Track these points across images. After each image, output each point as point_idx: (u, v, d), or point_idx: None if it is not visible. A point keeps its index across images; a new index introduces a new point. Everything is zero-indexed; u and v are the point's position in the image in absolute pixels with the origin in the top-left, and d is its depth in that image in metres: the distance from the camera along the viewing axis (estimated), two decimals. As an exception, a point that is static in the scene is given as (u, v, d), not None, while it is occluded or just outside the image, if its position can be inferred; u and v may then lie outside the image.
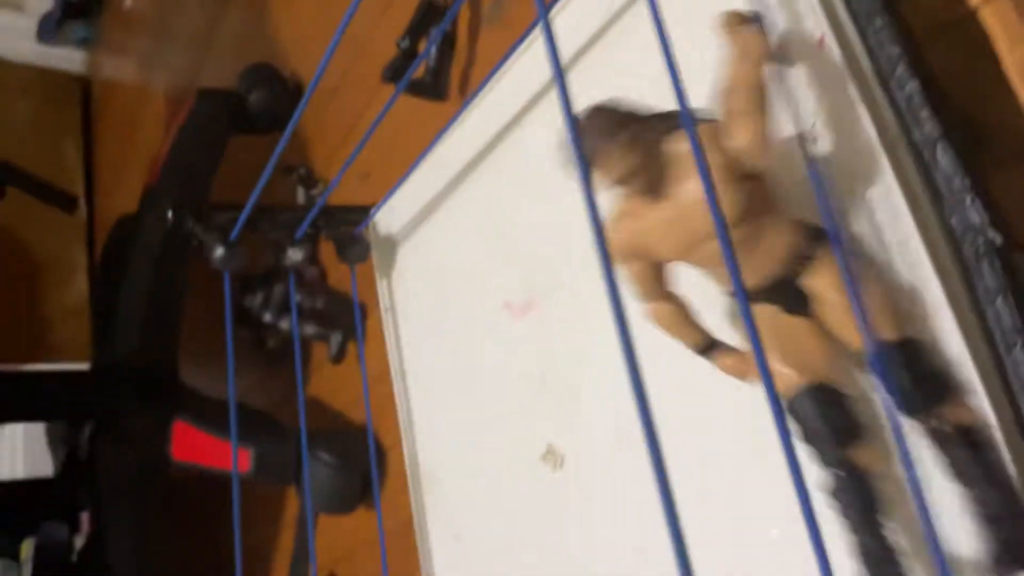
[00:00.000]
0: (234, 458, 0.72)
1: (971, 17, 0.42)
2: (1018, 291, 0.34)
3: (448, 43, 0.82)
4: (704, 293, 0.40)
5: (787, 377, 0.34)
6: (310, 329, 0.94)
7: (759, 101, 0.33)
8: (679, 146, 0.34)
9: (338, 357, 0.93)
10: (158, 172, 1.12)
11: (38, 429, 1.85)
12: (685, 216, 0.33)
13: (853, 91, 0.38)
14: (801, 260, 0.34)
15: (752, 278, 0.34)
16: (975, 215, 0.35)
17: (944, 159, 0.36)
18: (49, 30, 2.52)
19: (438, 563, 0.64)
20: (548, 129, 0.56)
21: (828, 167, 0.38)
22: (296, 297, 0.96)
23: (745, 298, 0.26)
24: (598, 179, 0.34)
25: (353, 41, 1.07)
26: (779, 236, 0.33)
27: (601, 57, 0.52)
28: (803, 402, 0.34)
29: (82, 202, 2.42)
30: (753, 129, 0.32)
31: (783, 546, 0.40)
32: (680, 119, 0.34)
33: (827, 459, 0.34)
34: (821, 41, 0.39)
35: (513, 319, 0.58)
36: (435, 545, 0.65)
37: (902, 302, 0.35)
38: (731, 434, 0.42)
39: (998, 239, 0.34)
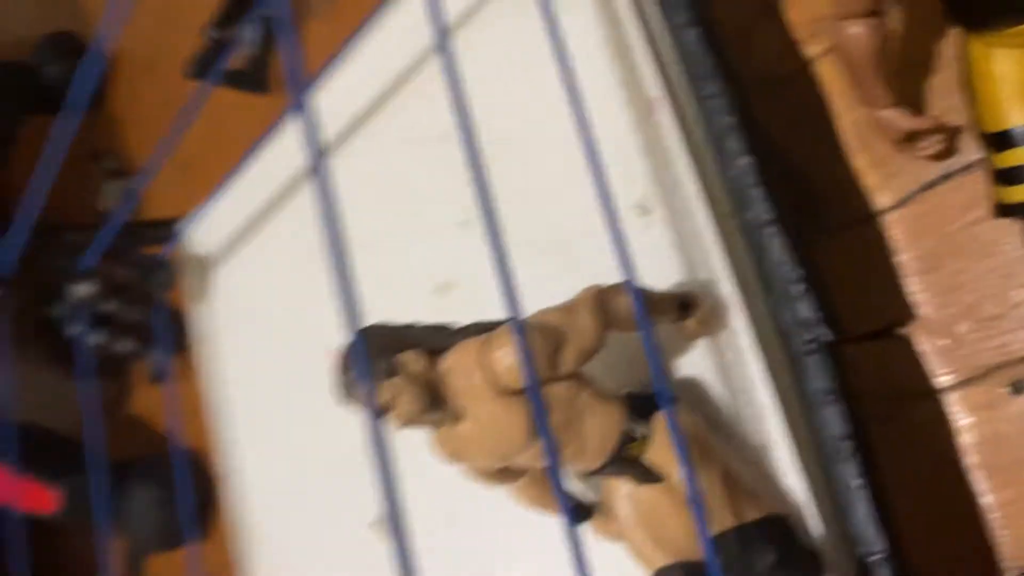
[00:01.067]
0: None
1: (806, 70, 0.40)
2: (848, 394, 0.32)
3: (268, 30, 0.74)
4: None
5: (649, 554, 0.32)
6: (126, 345, 0.84)
7: (558, 341, 0.29)
8: (449, 366, 0.30)
9: (158, 378, 0.84)
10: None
11: None
12: (487, 435, 0.30)
13: (684, 164, 0.34)
14: (630, 440, 0.30)
15: (584, 464, 0.31)
16: (805, 309, 0.33)
17: (774, 245, 0.33)
18: None
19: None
20: (388, 135, 0.50)
21: (659, 247, 0.35)
22: (111, 307, 0.85)
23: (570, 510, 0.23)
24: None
25: (169, 9, 0.95)
26: (599, 420, 0.30)
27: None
28: None
29: None
30: (511, 358, 0.29)
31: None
32: (452, 335, 0.30)
33: None
34: (653, 105, 0.35)
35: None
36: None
37: (753, 458, 0.32)
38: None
39: (828, 335, 0.32)
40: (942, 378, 0.36)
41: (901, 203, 0.38)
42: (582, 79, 0.37)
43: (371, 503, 0.49)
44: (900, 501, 0.33)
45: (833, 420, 0.32)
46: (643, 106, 0.35)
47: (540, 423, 0.26)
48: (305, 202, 0.58)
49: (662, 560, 0.32)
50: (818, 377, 0.32)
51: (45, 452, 0.79)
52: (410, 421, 0.30)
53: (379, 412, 0.29)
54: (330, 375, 0.31)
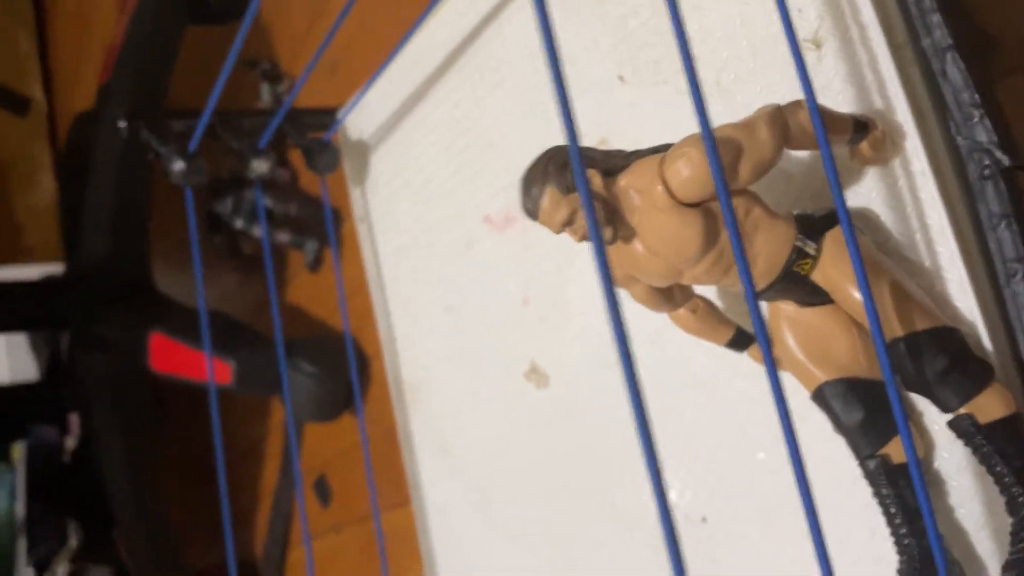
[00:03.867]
0: (210, 370, 0.71)
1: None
2: (1021, 216, 0.32)
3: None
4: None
5: (812, 372, 0.33)
6: (283, 236, 0.91)
7: (735, 154, 0.30)
8: (625, 183, 0.31)
9: (314, 265, 0.91)
10: (111, 68, 1.06)
11: (20, 335, 1.84)
12: (658, 252, 0.31)
13: (860, -9, 0.34)
14: (801, 258, 0.32)
15: (754, 281, 0.32)
16: (982, 133, 0.32)
17: (953, 71, 0.33)
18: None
19: (424, 473, 0.65)
20: (528, 26, 0.52)
21: (831, 81, 0.36)
22: (267, 202, 0.92)
23: (758, 315, 0.24)
24: (545, 226, 0.32)
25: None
26: (770, 237, 0.31)
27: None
28: (827, 397, 0.33)
29: (42, 96, 2.31)
30: (690, 169, 0.30)
31: (770, 467, 0.40)
32: (628, 157, 0.31)
33: (860, 451, 0.33)
34: (827, -66, 0.35)
35: (493, 233, 0.56)
36: (421, 457, 0.65)
37: (924, 283, 0.33)
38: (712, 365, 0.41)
39: (1005, 160, 0.32)
40: None
41: (1089, 37, 0.36)
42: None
43: (521, 377, 0.53)
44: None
45: (1007, 242, 0.32)
46: (817, -63, 0.35)
47: (727, 218, 0.27)
48: (447, 89, 0.60)
49: (825, 377, 0.33)
50: (994, 200, 0.32)
51: (220, 333, 0.88)
52: (587, 235, 0.32)
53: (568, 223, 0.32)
54: (519, 192, 0.33)
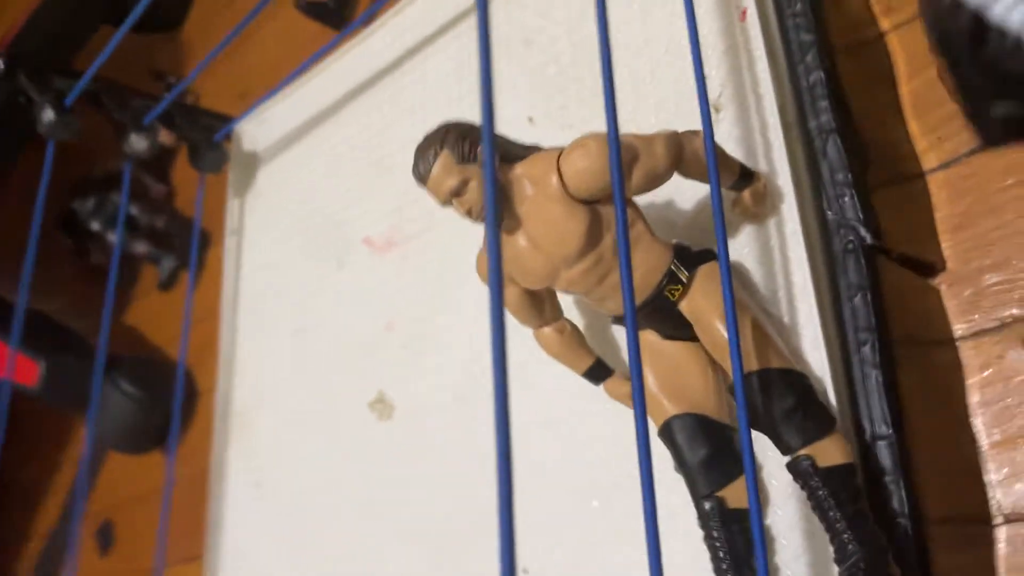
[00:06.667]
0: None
1: (879, 40, 0.43)
2: (876, 292, 0.34)
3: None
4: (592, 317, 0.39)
5: (663, 405, 0.33)
6: (141, 247, 0.85)
7: (630, 158, 0.31)
8: (520, 172, 0.31)
9: (167, 283, 0.84)
10: (8, 43, 1.00)
11: None
12: (540, 245, 0.31)
13: (763, 69, 0.37)
14: (673, 282, 0.32)
15: (620, 303, 0.32)
16: (851, 211, 0.35)
17: (833, 152, 0.35)
18: None
19: (230, 509, 0.58)
20: (447, 65, 0.53)
21: (725, 142, 0.37)
22: (133, 210, 0.87)
23: (634, 316, 0.24)
24: (432, 197, 0.31)
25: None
26: (648, 254, 0.32)
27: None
28: (674, 431, 0.32)
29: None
30: (586, 161, 0.30)
31: (603, 515, 0.38)
32: (529, 149, 0.32)
33: (697, 490, 0.32)
34: (744, 14, 0.38)
35: (371, 255, 0.54)
36: (230, 491, 0.59)
37: (782, 335, 0.33)
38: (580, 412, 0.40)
39: (868, 237, 0.34)
40: (959, 327, 0.38)
41: (944, 166, 0.40)
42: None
43: (368, 387, 0.50)
44: (910, 410, 0.34)
45: (861, 312, 0.33)
46: (733, 12, 0.38)
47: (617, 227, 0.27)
48: (355, 115, 0.60)
49: (675, 411, 0.33)
50: (854, 273, 0.34)
51: (33, 329, 0.79)
52: (473, 209, 0.31)
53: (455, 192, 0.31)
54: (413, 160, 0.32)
